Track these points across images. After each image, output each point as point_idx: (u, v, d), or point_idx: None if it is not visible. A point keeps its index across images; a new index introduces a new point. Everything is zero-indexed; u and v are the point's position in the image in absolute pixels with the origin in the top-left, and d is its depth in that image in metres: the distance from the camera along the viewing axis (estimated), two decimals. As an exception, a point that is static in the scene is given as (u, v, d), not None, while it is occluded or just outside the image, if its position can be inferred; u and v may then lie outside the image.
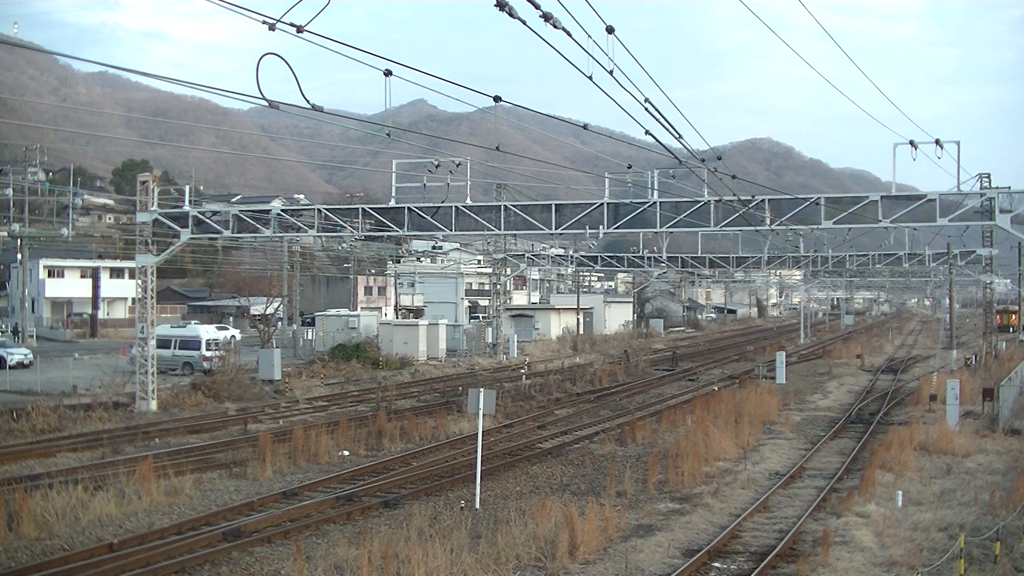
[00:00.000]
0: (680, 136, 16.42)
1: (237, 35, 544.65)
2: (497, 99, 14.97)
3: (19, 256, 66.44)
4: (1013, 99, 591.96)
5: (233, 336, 48.16)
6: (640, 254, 68.11)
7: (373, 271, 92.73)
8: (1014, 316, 69.10)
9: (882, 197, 29.30)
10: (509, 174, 53.13)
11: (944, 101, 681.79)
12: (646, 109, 14.39)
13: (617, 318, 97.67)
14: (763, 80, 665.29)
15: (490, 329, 62.48)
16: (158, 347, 38.13)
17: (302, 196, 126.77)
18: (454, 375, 50.64)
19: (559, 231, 33.18)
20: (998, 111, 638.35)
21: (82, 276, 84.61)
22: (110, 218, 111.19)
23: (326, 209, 36.14)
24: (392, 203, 33.75)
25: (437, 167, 31.23)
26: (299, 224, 36.49)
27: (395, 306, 79.04)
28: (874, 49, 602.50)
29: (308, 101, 12.49)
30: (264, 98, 12.25)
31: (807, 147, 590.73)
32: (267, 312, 59.78)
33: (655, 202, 31.51)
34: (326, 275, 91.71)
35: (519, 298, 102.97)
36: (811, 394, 44.42)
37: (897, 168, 30.14)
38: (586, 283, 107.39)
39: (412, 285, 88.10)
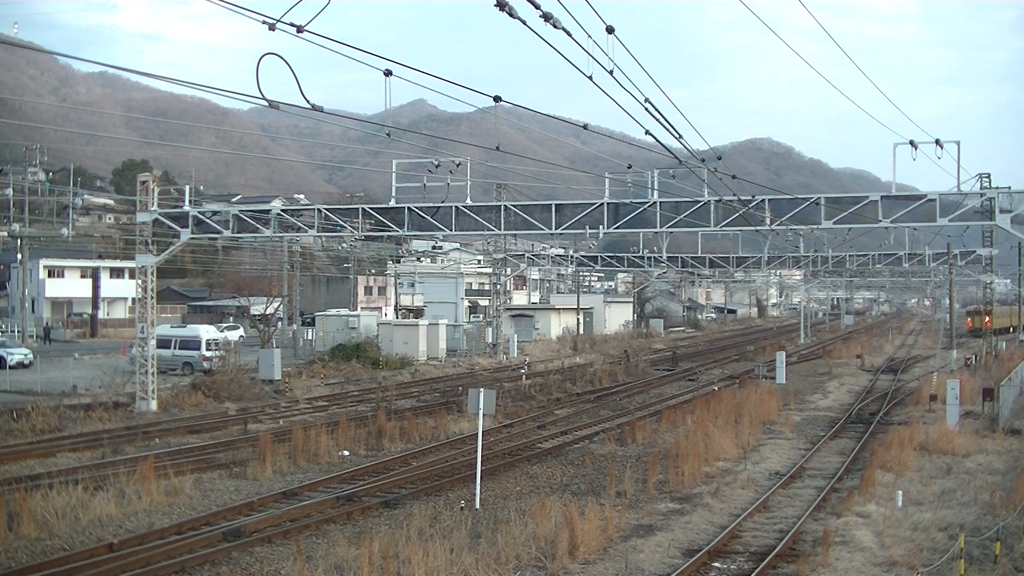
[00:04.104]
0: (680, 136, 16.42)
1: (236, 36, 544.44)
2: (497, 99, 14.97)
3: (19, 256, 66.42)
4: (1010, 100, 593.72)
5: (241, 336, 47.89)
6: (640, 254, 68.10)
7: (373, 271, 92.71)
8: (988, 318, 66.59)
9: (882, 197, 29.30)
10: (509, 174, 53.09)
11: (941, 102, 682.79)
12: (646, 109, 14.40)
13: (617, 318, 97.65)
14: (760, 81, 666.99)
15: (490, 329, 62.48)
16: (158, 347, 38.12)
17: (302, 196, 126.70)
18: (454, 375, 50.63)
19: (559, 231, 33.18)
20: (995, 112, 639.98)
21: (82, 276, 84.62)
22: (110, 218, 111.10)
23: (326, 209, 36.14)
24: (392, 203, 33.74)
25: (437, 167, 31.23)
26: (299, 224, 36.49)
27: (395, 306, 79.03)
28: (870, 51, 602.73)
29: (308, 101, 12.49)
30: (264, 98, 12.25)
31: (807, 147, 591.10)
32: (267, 312, 59.76)
33: (655, 202, 31.51)
34: (326, 275, 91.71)
35: (519, 298, 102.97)
36: (811, 394, 44.43)
37: (897, 168, 30.13)
38: (586, 283, 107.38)
39: (412, 285, 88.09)
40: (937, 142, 26.10)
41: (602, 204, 31.94)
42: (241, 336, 47.45)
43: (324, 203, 51.34)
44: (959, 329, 76.92)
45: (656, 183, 31.63)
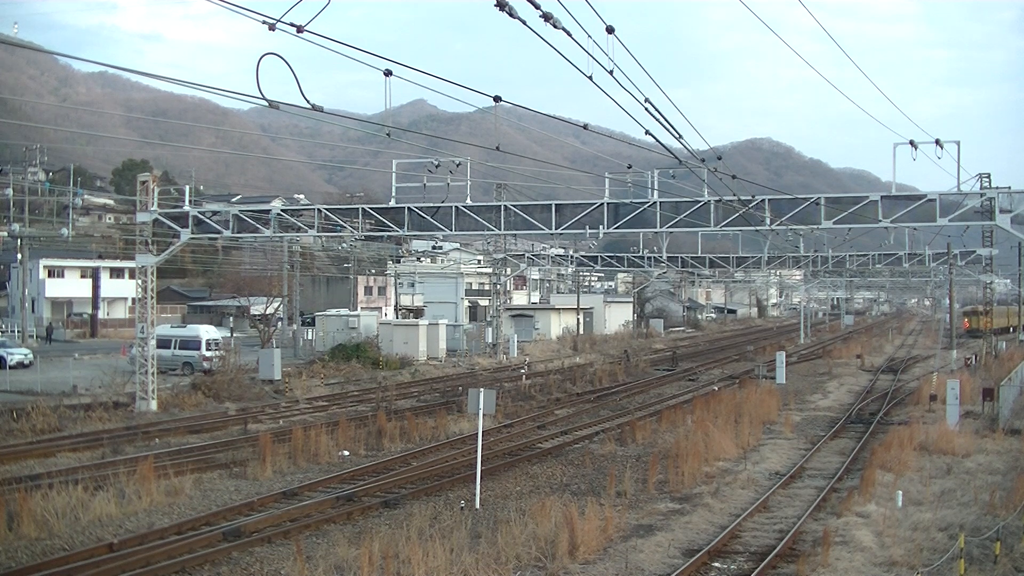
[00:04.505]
0: (680, 136, 16.42)
1: (236, 36, 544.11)
2: (497, 99, 14.97)
3: (19, 256, 66.43)
4: (1009, 100, 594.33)
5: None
6: (640, 254, 68.09)
7: (373, 271, 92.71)
8: (985, 319, 65.79)
9: (882, 197, 29.30)
10: (509, 174, 53.08)
11: (941, 102, 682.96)
12: (646, 109, 14.40)
13: (617, 318, 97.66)
14: (760, 81, 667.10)
15: (490, 329, 62.49)
16: (158, 347, 38.12)
17: (302, 196, 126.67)
18: (454, 375, 50.63)
19: (559, 231, 33.18)
20: (995, 112, 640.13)
21: (82, 276, 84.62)
22: (110, 218, 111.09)
23: (326, 209, 36.14)
24: (392, 203, 33.73)
25: (437, 167, 31.22)
26: (299, 224, 36.49)
27: (395, 306, 79.04)
28: (870, 51, 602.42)
29: (308, 101, 12.49)
30: (264, 98, 12.25)
31: (807, 147, 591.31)
32: (267, 312, 59.76)
33: (655, 202, 31.50)
34: (326, 275, 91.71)
35: (519, 298, 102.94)
36: (811, 394, 44.43)
37: (897, 168, 30.12)
38: (586, 283, 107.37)
39: (412, 285, 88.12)
40: (937, 142, 26.10)
41: (602, 204, 31.94)
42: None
43: (324, 203, 51.33)
44: (958, 329, 76.87)
45: (656, 183, 31.62)
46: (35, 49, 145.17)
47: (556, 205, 32.90)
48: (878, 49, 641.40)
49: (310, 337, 64.49)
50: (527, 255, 70.55)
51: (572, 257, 72.62)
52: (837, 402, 41.87)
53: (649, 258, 68.05)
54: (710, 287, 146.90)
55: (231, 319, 76.31)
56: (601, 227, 31.93)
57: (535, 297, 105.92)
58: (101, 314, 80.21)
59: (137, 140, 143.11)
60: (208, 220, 36.05)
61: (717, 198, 29.98)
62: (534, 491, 22.40)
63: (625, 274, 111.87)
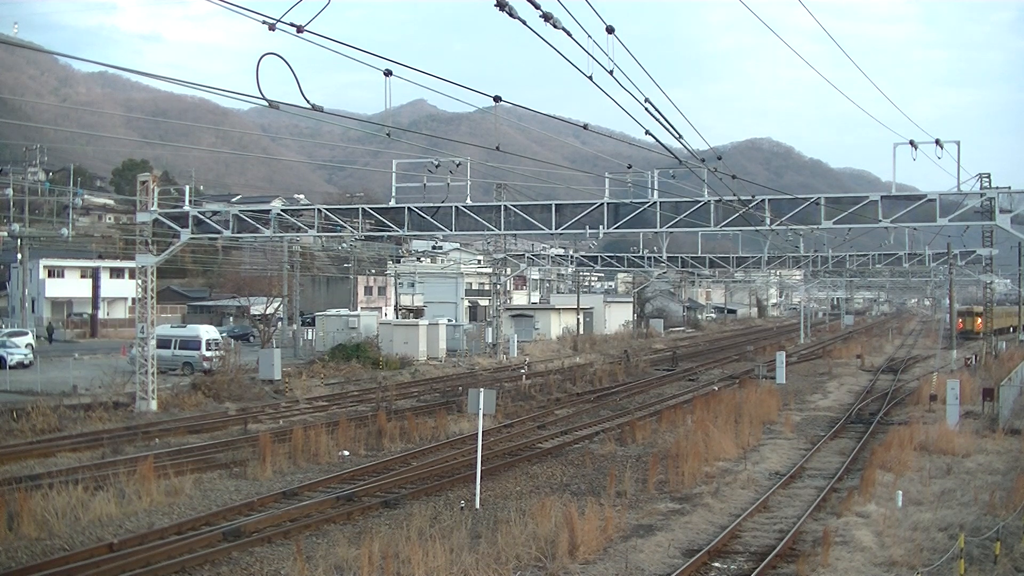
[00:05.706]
0: (680, 136, 16.42)
1: (236, 37, 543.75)
2: (497, 99, 14.97)
3: (19, 256, 66.40)
4: (1008, 100, 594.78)
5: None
6: (640, 254, 68.08)
7: (373, 271, 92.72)
8: (979, 319, 65.29)
9: (882, 197, 29.30)
10: (509, 174, 53.03)
11: (940, 102, 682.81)
12: (646, 109, 14.40)
13: (617, 318, 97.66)
14: (760, 81, 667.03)
15: (490, 329, 62.49)
16: (158, 347, 38.11)
17: (302, 196, 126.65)
18: (454, 375, 50.63)
19: (559, 231, 33.18)
20: (994, 112, 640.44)
21: (82, 276, 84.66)
22: (110, 218, 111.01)
23: (326, 209, 36.14)
24: (392, 203, 33.74)
25: (437, 167, 31.22)
26: (299, 224, 36.50)
27: (395, 306, 79.05)
28: (870, 51, 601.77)
29: (308, 101, 12.49)
30: (264, 98, 12.24)
31: (807, 147, 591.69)
32: (267, 312, 59.75)
33: (655, 202, 31.50)
34: (326, 275, 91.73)
35: (519, 298, 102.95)
36: (811, 394, 44.42)
37: (897, 168, 30.11)
38: (586, 283, 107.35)
39: (412, 285, 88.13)
40: (937, 142, 26.10)
41: (602, 204, 31.94)
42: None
43: (324, 203, 51.31)
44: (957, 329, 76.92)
45: (656, 183, 31.62)
46: (35, 49, 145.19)
47: (556, 205, 32.91)
48: (878, 49, 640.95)
49: (310, 337, 64.49)
50: (527, 255, 70.55)
51: (572, 257, 72.60)
52: (837, 402, 41.87)
53: (649, 258, 68.03)
54: (710, 287, 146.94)
55: (231, 319, 76.30)
56: (601, 227, 31.93)
57: (535, 297, 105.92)
58: (101, 314, 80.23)
59: (137, 140, 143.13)
60: (208, 220, 36.05)
61: (717, 198, 29.98)
62: (534, 491, 22.39)
63: (625, 274, 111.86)
